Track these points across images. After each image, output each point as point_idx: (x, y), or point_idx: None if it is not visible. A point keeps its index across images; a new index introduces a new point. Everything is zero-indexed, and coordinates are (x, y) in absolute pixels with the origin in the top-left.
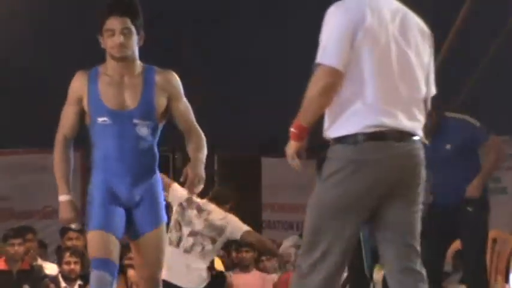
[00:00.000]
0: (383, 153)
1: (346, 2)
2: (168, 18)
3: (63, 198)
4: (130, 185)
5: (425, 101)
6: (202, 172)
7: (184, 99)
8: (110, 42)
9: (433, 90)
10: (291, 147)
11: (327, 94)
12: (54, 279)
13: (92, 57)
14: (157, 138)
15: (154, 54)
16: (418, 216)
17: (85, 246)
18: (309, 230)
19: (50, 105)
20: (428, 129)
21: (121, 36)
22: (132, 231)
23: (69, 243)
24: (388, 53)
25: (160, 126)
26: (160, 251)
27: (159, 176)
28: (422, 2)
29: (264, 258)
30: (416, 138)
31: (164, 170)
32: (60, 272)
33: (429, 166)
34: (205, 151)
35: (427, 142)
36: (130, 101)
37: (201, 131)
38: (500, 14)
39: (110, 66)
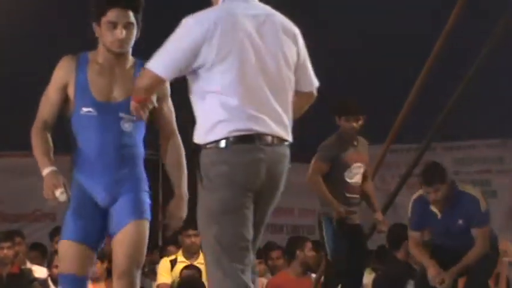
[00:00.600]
0: (252, 155)
1: (198, 15)
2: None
3: (47, 170)
4: (109, 185)
5: (308, 96)
6: (184, 210)
7: (170, 102)
8: (109, 36)
9: (315, 83)
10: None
11: (149, 91)
12: (43, 283)
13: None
14: (142, 136)
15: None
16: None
17: None
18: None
19: (37, 109)
20: (442, 202)
21: (123, 31)
22: (111, 227)
23: (57, 246)
24: (248, 60)
25: (144, 123)
26: (140, 245)
27: (144, 175)
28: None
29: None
30: (286, 143)
31: (153, 174)
32: (49, 275)
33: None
34: (185, 166)
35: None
36: (118, 93)
37: (179, 139)
38: (491, 16)
39: (101, 56)
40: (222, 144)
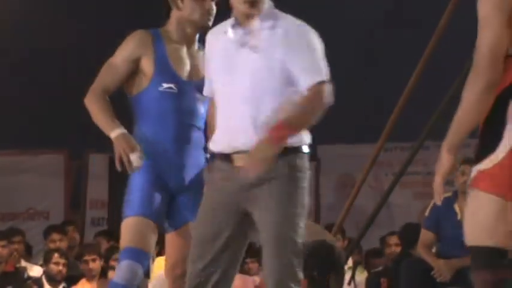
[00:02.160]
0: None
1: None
2: None
3: (117, 131)
4: (182, 166)
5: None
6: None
7: None
8: (199, 8)
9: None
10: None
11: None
12: (37, 281)
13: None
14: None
15: None
16: None
17: (68, 248)
18: None
19: (30, 106)
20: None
21: (212, 3)
22: (172, 219)
23: (52, 245)
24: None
25: None
26: None
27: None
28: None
29: (248, 260)
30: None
31: None
32: (44, 273)
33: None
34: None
35: None
36: (195, 72)
37: None
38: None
39: (176, 32)
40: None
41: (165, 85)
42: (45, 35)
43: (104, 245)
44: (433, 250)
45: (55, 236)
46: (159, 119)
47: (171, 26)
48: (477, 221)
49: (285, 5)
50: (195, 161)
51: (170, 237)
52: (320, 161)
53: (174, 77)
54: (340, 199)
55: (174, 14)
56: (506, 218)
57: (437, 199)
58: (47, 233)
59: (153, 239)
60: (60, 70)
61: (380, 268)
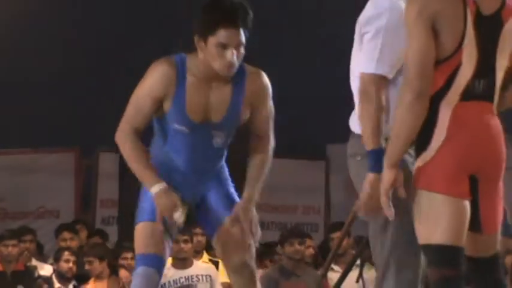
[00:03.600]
0: None
1: None
2: None
3: (158, 187)
4: (195, 185)
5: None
6: (253, 212)
7: (270, 104)
8: (218, 59)
9: (361, 69)
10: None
11: None
12: (48, 280)
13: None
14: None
15: None
16: None
17: (79, 247)
18: None
19: (40, 104)
20: None
21: (234, 55)
22: (207, 226)
23: (63, 243)
24: None
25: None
26: (245, 232)
27: (227, 172)
28: None
29: None
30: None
31: None
32: (54, 271)
33: None
34: (265, 170)
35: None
36: (215, 115)
37: (271, 142)
38: None
39: (201, 70)
40: None
41: (177, 126)
42: (57, 35)
43: (105, 244)
44: None
45: (66, 234)
46: (173, 145)
47: (198, 59)
48: (421, 219)
49: None
50: (209, 175)
51: (219, 241)
52: (330, 160)
53: (186, 121)
54: (350, 198)
55: (199, 52)
56: (448, 213)
57: (390, 215)
58: (58, 231)
59: (166, 242)
60: (72, 70)
61: None
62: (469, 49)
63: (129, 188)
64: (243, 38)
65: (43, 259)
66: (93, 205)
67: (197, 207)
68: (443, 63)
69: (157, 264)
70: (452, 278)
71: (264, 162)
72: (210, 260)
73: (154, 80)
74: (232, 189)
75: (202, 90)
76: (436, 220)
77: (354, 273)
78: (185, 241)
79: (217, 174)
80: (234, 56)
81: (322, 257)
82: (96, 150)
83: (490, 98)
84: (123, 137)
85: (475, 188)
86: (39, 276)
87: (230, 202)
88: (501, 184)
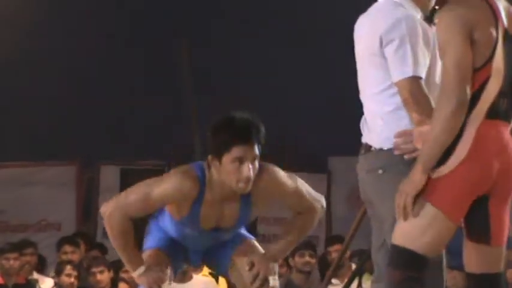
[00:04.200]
0: None
1: None
2: None
3: (142, 269)
4: (201, 253)
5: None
6: (273, 266)
7: (291, 191)
8: (236, 174)
9: (393, 77)
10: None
11: None
12: None
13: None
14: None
15: None
16: None
17: (81, 261)
18: None
19: (42, 117)
20: None
21: (251, 169)
22: (218, 267)
23: (64, 257)
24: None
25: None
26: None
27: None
28: None
29: None
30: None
31: None
32: (55, 285)
33: None
34: (306, 232)
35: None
36: (226, 223)
37: (319, 207)
38: None
39: (218, 189)
40: None
41: (188, 231)
42: (59, 48)
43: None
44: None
45: (67, 248)
46: (180, 235)
47: (214, 178)
48: (410, 223)
49: None
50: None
51: (232, 276)
52: (331, 172)
53: (198, 229)
54: (352, 210)
55: (214, 172)
56: (437, 230)
57: (406, 218)
58: (60, 244)
59: (166, 267)
60: (73, 84)
61: None
62: (498, 64)
63: None
64: (257, 152)
65: (44, 272)
66: (94, 217)
67: (204, 254)
68: (473, 73)
69: None
70: (416, 278)
71: (304, 228)
72: (210, 273)
73: (174, 192)
74: (240, 231)
75: (216, 206)
76: (424, 231)
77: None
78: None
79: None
80: (250, 171)
81: (320, 270)
82: (97, 163)
83: (509, 119)
84: (114, 223)
85: (485, 205)
86: None
87: (237, 239)
88: (510, 200)
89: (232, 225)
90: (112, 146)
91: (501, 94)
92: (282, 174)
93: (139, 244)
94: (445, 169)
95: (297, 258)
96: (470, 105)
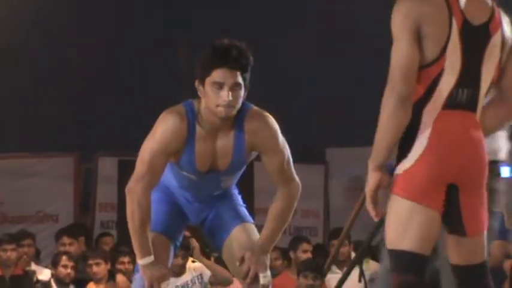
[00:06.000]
0: None
1: None
2: None
3: (148, 259)
4: (202, 206)
5: None
6: (266, 259)
7: (280, 147)
8: (215, 98)
9: None
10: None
11: None
12: (46, 284)
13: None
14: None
15: None
16: None
17: (80, 253)
18: None
19: (40, 108)
20: None
21: (230, 93)
22: (214, 239)
23: (62, 248)
24: None
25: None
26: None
27: (236, 191)
28: None
29: None
30: None
31: None
32: (53, 276)
33: None
34: (286, 219)
35: None
36: (222, 162)
37: (295, 184)
38: None
39: (206, 119)
40: None
41: (186, 173)
42: (57, 40)
43: (109, 247)
44: None
45: (66, 239)
46: (179, 183)
47: (203, 108)
48: (392, 224)
49: None
50: (213, 200)
51: (224, 248)
52: (329, 164)
53: (195, 171)
54: (349, 201)
55: (202, 99)
56: (417, 222)
57: (374, 216)
58: (58, 236)
59: (167, 252)
60: (71, 75)
61: None
62: (453, 57)
63: None
64: (239, 79)
65: (40, 263)
66: (92, 209)
67: (202, 223)
68: (425, 69)
69: None
70: (411, 284)
71: (284, 213)
72: (192, 261)
73: (166, 136)
74: (239, 202)
75: (209, 141)
76: (406, 227)
77: (354, 273)
78: (184, 256)
79: (224, 193)
80: (229, 95)
81: (317, 260)
82: (95, 155)
83: (474, 109)
84: (135, 203)
85: (455, 196)
86: (38, 281)
87: (237, 213)
88: (484, 191)
89: (227, 164)
90: (110, 138)
91: (459, 85)
92: (276, 126)
93: None
94: (406, 163)
95: (298, 253)
96: (425, 99)
